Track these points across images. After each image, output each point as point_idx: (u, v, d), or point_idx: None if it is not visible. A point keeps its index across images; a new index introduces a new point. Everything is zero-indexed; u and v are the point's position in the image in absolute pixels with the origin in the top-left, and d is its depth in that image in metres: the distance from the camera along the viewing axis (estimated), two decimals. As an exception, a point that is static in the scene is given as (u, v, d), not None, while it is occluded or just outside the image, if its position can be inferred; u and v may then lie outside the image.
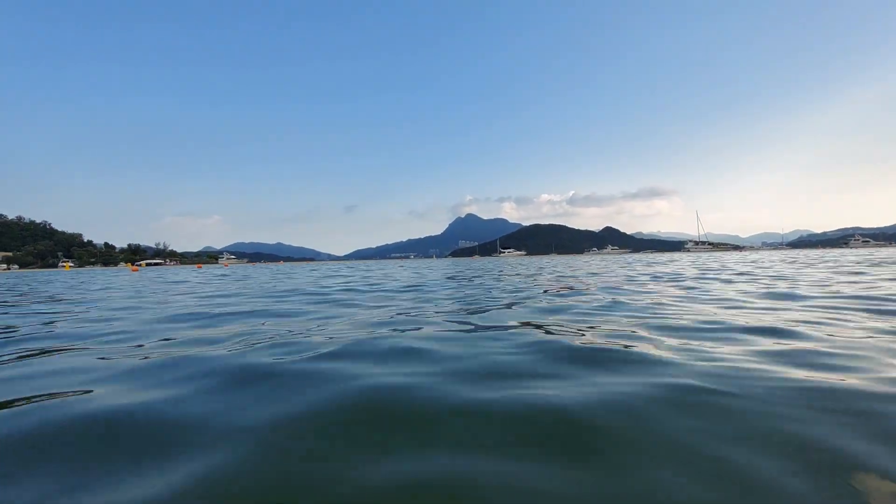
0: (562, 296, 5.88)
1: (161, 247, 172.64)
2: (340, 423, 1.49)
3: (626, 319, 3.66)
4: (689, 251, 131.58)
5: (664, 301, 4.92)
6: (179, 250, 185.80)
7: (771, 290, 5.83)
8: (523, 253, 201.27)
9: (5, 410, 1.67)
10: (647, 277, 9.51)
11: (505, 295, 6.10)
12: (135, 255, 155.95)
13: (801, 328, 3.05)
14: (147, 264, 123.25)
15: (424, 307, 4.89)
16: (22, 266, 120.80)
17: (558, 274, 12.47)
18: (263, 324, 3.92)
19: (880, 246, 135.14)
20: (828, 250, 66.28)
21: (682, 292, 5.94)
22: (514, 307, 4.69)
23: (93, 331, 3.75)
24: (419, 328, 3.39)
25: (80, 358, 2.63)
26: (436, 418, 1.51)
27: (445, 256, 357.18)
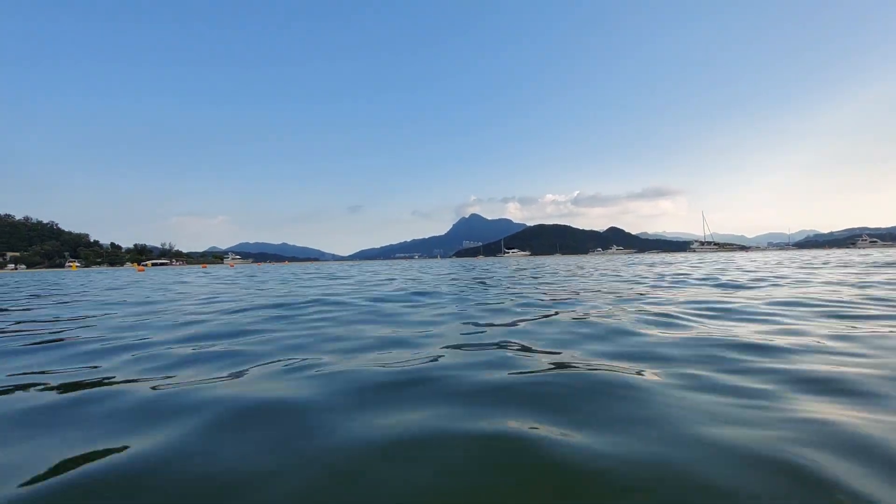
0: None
1: (167, 247, 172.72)
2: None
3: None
4: (694, 251, 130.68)
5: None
6: (185, 250, 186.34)
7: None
8: (527, 253, 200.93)
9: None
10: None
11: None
12: (141, 254, 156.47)
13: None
14: (153, 264, 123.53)
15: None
16: (29, 266, 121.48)
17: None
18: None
19: (888, 246, 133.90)
20: (835, 251, 65.60)
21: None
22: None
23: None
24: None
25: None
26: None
27: (450, 256, 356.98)
